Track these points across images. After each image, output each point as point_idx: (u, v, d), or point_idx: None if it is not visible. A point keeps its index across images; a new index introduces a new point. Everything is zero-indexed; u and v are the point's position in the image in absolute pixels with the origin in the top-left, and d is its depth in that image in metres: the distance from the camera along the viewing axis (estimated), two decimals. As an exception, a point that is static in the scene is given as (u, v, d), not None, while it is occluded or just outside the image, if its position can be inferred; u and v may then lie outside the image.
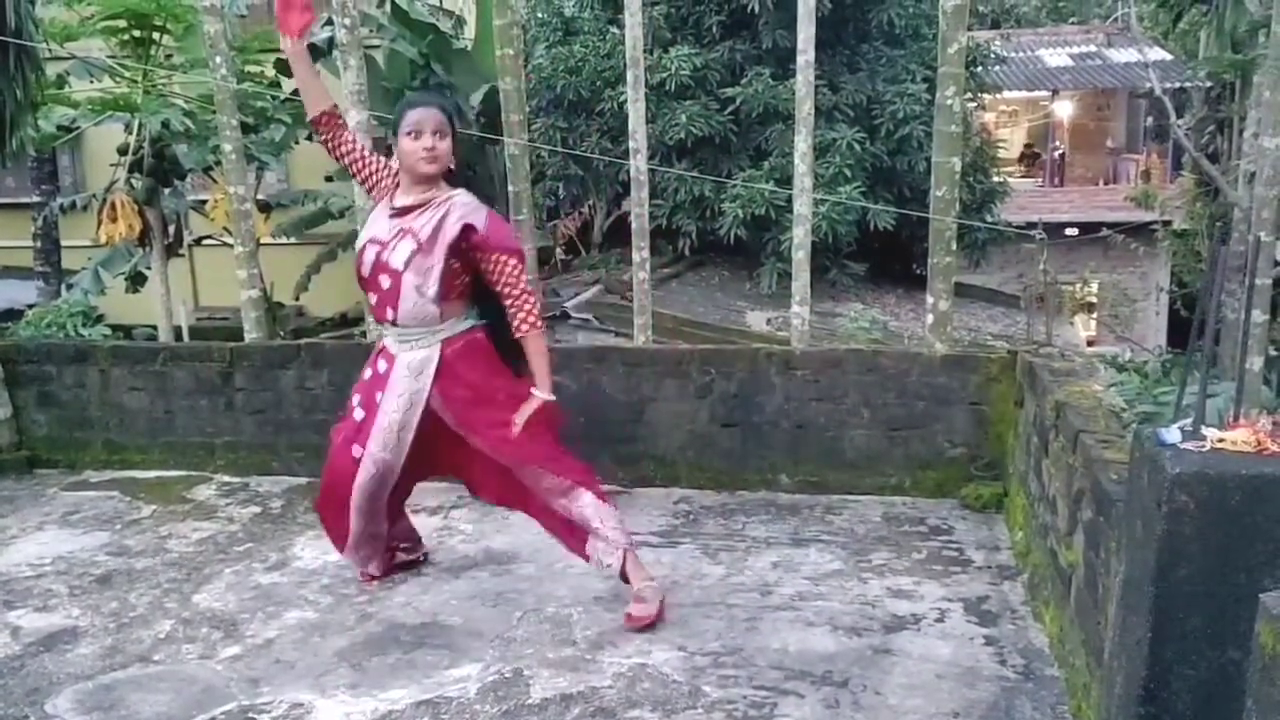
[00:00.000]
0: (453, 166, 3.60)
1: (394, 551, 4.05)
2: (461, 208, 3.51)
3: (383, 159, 3.73)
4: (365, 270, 3.57)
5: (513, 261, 3.54)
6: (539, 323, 3.60)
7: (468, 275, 3.58)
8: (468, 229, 3.48)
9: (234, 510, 4.90)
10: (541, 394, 3.53)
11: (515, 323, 3.55)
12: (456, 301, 3.58)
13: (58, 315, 6.48)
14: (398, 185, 3.63)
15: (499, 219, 3.67)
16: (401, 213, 3.55)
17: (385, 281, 3.51)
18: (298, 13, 3.60)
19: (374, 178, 3.71)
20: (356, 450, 3.66)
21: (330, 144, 3.71)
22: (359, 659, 3.37)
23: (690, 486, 4.99)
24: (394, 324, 3.56)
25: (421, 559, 4.16)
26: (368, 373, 3.72)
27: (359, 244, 3.65)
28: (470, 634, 3.52)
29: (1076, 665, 2.93)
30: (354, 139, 3.76)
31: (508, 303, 3.55)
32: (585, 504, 3.62)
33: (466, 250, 3.51)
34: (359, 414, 3.68)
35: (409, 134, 3.49)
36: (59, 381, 5.64)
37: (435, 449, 3.72)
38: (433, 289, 3.48)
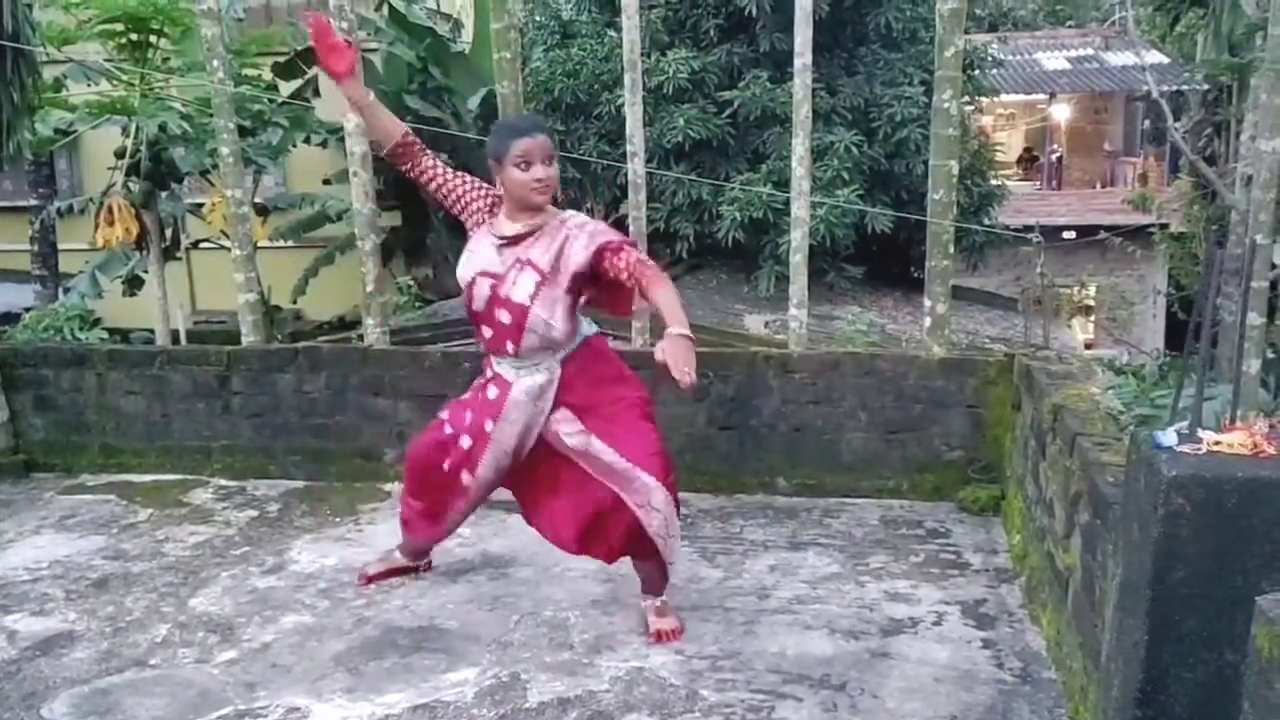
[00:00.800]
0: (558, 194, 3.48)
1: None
2: (583, 233, 3.35)
3: (469, 179, 3.55)
4: (479, 305, 3.41)
5: (631, 251, 3.35)
6: (659, 274, 3.30)
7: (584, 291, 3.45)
8: (599, 251, 3.31)
9: (231, 514, 4.90)
10: (679, 329, 3.09)
11: (648, 281, 3.24)
12: (574, 319, 3.46)
13: (55, 319, 6.48)
14: (492, 209, 3.48)
15: (604, 224, 3.53)
16: (512, 242, 3.39)
17: (505, 316, 3.37)
18: (339, 55, 3.41)
19: (463, 201, 3.52)
20: (466, 478, 3.58)
21: (412, 173, 3.56)
22: (356, 663, 3.37)
23: (687, 489, 4.95)
24: (514, 356, 3.42)
25: (424, 567, 4.13)
26: (471, 396, 3.61)
27: (464, 276, 3.43)
28: (467, 638, 3.52)
29: (1074, 668, 2.93)
30: (435, 164, 3.56)
31: (631, 282, 3.31)
32: (661, 505, 3.39)
33: (592, 268, 3.35)
34: (466, 441, 3.55)
35: (518, 164, 3.29)
36: (56, 385, 5.63)
37: (527, 470, 3.60)
38: (560, 320, 3.36)
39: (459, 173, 3.58)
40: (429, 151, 3.60)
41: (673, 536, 3.45)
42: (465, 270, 3.44)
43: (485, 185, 3.54)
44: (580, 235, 3.34)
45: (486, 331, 3.46)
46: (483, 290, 3.38)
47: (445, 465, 3.61)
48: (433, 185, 3.54)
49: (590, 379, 3.49)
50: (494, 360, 3.53)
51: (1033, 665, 3.25)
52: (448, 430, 3.61)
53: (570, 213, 3.46)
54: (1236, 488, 2.01)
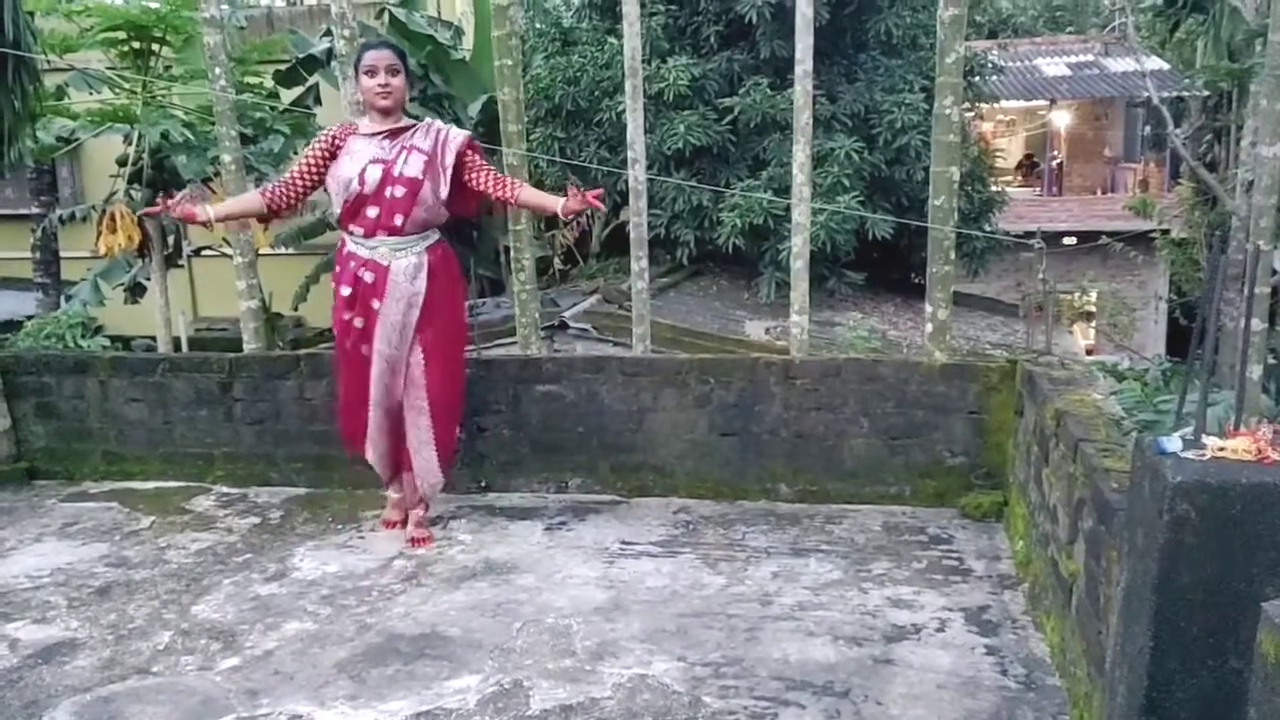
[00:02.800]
0: (405, 103, 4.22)
1: (404, 516, 4.55)
2: (454, 131, 4.21)
3: (306, 153, 4.26)
4: (370, 188, 4.03)
5: (490, 166, 4.29)
6: (513, 180, 4.37)
7: None
8: (470, 138, 4.22)
9: (233, 521, 4.89)
10: (561, 201, 4.09)
11: (504, 194, 4.21)
12: (443, 206, 4.18)
13: (57, 326, 6.49)
14: (344, 134, 4.17)
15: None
16: (391, 135, 4.11)
17: (398, 191, 4.04)
18: (185, 215, 4.16)
19: (317, 163, 4.18)
20: (364, 349, 4.18)
21: (297, 206, 4.33)
22: (358, 670, 3.36)
23: (690, 496, 4.98)
24: (399, 232, 4.07)
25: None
26: (346, 290, 4.16)
27: (351, 170, 4.05)
28: (469, 645, 3.51)
29: (1078, 675, 2.92)
30: (290, 182, 4.22)
31: (492, 189, 4.21)
32: (428, 460, 4.31)
33: (458, 160, 4.15)
34: (359, 321, 4.16)
35: (366, 73, 4.05)
36: (58, 393, 5.63)
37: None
38: (443, 192, 4.11)
39: (298, 163, 4.29)
40: (281, 182, 4.27)
41: (432, 484, 4.39)
42: (353, 164, 4.06)
43: (320, 134, 4.29)
44: (452, 131, 4.21)
45: (372, 212, 4.07)
46: (374, 173, 4.03)
47: (348, 344, 4.25)
48: (305, 191, 4.24)
49: (448, 268, 4.26)
50: (366, 244, 4.11)
51: (1036, 672, 3.24)
52: (345, 316, 4.21)
53: (437, 120, 4.33)
54: (1241, 493, 2.00)
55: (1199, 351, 2.38)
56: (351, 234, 4.17)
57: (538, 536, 4.53)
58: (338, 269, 4.27)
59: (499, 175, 4.30)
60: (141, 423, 5.54)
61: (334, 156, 4.16)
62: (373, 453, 4.44)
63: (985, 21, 26.87)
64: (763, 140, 12.23)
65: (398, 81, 4.09)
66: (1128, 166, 24.48)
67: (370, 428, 4.33)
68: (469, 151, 4.21)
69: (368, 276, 4.12)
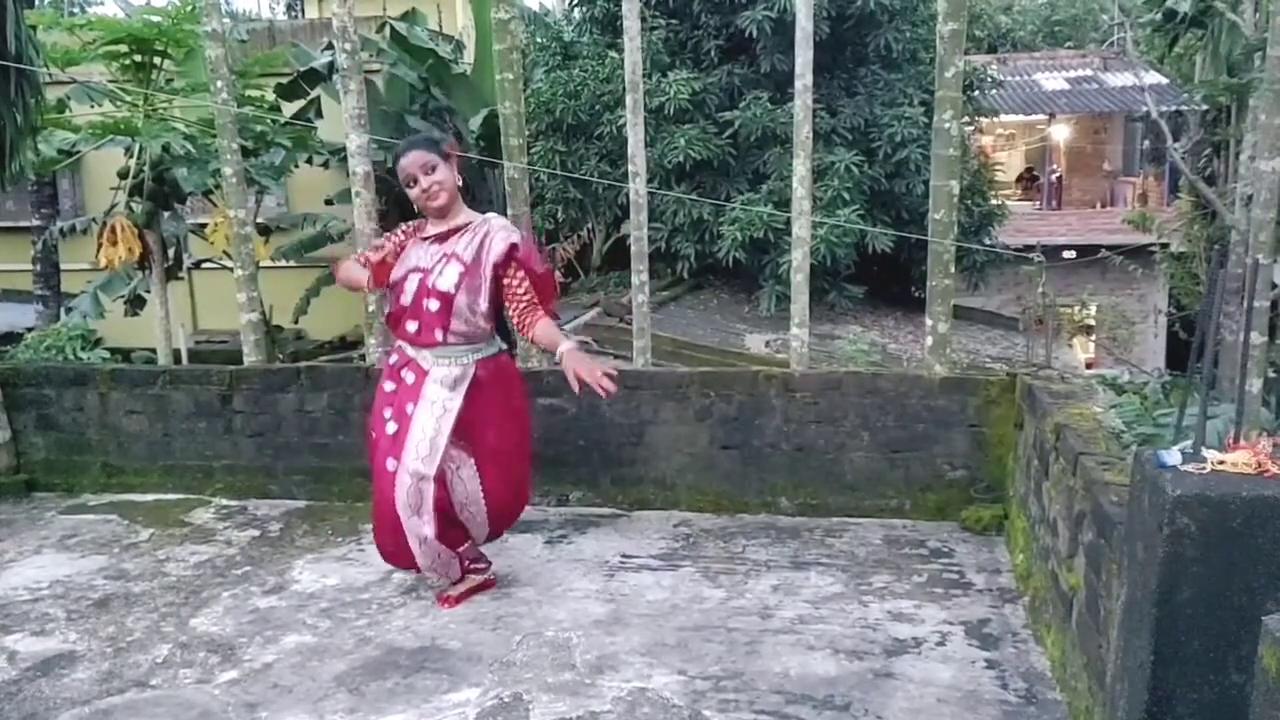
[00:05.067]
0: (459, 186, 3.83)
1: (465, 567, 3.99)
2: (503, 229, 3.80)
3: (393, 241, 3.89)
4: (407, 299, 3.74)
5: (528, 278, 3.78)
6: (540, 312, 3.82)
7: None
8: (513, 247, 3.75)
9: (232, 534, 4.89)
10: (567, 344, 3.72)
11: (530, 319, 3.78)
12: (494, 318, 3.83)
13: (57, 338, 6.49)
14: (416, 232, 3.86)
15: (531, 242, 3.94)
16: (439, 239, 3.79)
17: (433, 305, 3.71)
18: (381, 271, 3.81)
19: (398, 250, 3.86)
20: (391, 464, 3.75)
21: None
22: (357, 683, 3.36)
23: (690, 509, 4.98)
24: (440, 345, 3.74)
25: (493, 579, 4.10)
26: (389, 385, 3.85)
27: (395, 275, 3.79)
28: (469, 658, 3.50)
29: (1078, 689, 2.92)
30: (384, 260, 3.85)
31: (517, 307, 3.78)
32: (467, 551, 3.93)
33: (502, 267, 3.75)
34: (391, 427, 3.79)
35: (407, 184, 3.76)
36: (58, 405, 5.63)
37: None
38: (483, 305, 3.74)
39: (390, 238, 3.93)
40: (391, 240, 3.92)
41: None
42: (397, 271, 3.79)
43: (403, 224, 3.96)
44: (499, 232, 3.77)
45: (411, 326, 3.77)
46: (412, 285, 3.74)
47: (378, 457, 3.81)
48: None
49: (500, 383, 3.86)
50: (411, 352, 3.82)
51: (1037, 686, 3.23)
52: (384, 415, 3.84)
53: (494, 215, 3.88)
54: (1241, 507, 2.01)
55: (1199, 365, 2.38)
56: (398, 340, 3.90)
57: (538, 549, 4.53)
58: (389, 359, 3.98)
59: (532, 300, 3.78)
60: (141, 435, 5.54)
61: (397, 255, 3.84)
62: (424, 561, 3.89)
63: (984, 36, 27.02)
64: (763, 154, 12.27)
65: (439, 176, 3.72)
66: (1127, 180, 24.55)
67: (416, 552, 3.83)
68: (509, 264, 3.75)
69: (409, 377, 3.80)
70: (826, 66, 11.83)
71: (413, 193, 3.75)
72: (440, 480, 3.75)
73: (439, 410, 3.73)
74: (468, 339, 3.76)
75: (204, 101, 7.21)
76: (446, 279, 3.70)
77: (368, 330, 5.52)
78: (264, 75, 9.07)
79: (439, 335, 3.72)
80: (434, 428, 3.72)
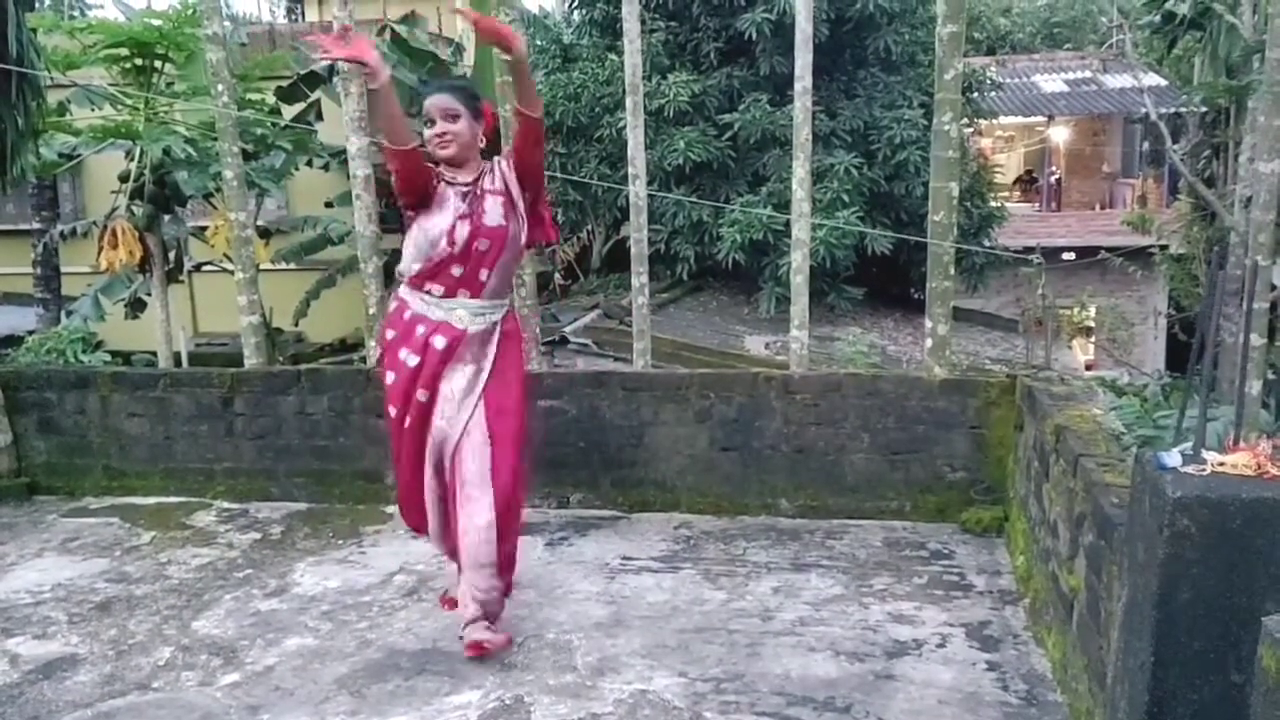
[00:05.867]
0: (482, 143, 3.69)
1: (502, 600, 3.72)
2: (501, 158, 3.72)
3: (430, 171, 3.67)
4: (458, 245, 3.55)
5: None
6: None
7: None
8: (508, 154, 3.69)
9: (233, 536, 4.89)
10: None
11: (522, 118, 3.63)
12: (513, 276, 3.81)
13: (57, 342, 6.49)
14: (441, 177, 3.63)
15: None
16: (470, 185, 3.62)
17: (484, 244, 3.57)
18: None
19: (433, 180, 3.63)
20: (424, 425, 3.62)
21: (412, 169, 3.60)
22: (359, 686, 3.36)
23: (690, 511, 4.98)
24: (482, 290, 3.61)
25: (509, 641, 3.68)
26: (413, 359, 3.60)
27: (440, 225, 3.56)
28: (470, 660, 3.50)
29: (1079, 690, 2.92)
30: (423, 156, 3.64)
31: (521, 138, 3.66)
32: (485, 539, 3.49)
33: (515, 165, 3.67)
34: (423, 395, 3.60)
35: (427, 123, 3.61)
36: (59, 408, 5.64)
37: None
38: (524, 232, 3.71)
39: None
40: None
41: (485, 565, 3.50)
42: (444, 218, 3.57)
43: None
44: (500, 160, 3.71)
45: (456, 270, 3.58)
46: (463, 231, 3.55)
47: (407, 422, 3.64)
48: (426, 177, 3.59)
49: (514, 345, 3.75)
50: (442, 306, 3.61)
51: (1038, 688, 3.24)
52: (406, 390, 3.64)
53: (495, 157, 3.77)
54: (1241, 508, 2.01)
55: (1198, 366, 2.39)
56: (428, 294, 3.63)
57: (539, 552, 4.53)
58: (395, 334, 3.69)
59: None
60: (142, 438, 5.55)
61: (431, 198, 3.60)
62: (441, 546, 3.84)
63: (984, 38, 27.05)
64: (762, 156, 12.28)
65: (458, 127, 3.57)
66: (1126, 182, 24.56)
67: (431, 519, 3.74)
68: (512, 158, 3.71)
69: (439, 342, 3.58)
70: (826, 69, 11.84)
71: (427, 133, 3.60)
72: (439, 474, 3.62)
73: (473, 371, 3.60)
74: (504, 286, 3.70)
75: (204, 105, 7.22)
76: (492, 215, 3.58)
77: (368, 333, 5.53)
78: (264, 78, 9.10)
79: (484, 276, 3.59)
80: (465, 387, 3.58)
